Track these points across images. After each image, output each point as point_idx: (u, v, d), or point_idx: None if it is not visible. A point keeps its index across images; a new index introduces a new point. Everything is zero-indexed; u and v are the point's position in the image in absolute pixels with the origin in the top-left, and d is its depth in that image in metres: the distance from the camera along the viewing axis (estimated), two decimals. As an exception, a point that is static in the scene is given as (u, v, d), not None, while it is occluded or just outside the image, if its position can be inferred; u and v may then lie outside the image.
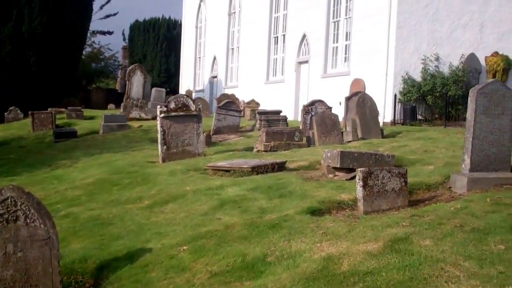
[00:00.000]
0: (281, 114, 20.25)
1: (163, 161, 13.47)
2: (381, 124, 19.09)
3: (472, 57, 21.78)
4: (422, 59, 21.35)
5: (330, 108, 17.84)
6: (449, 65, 21.39)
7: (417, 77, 21.26)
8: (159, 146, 13.77)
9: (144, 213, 8.84)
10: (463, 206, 6.86)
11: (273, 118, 19.44)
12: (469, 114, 8.20)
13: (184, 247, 6.78)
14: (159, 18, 48.35)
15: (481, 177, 8.06)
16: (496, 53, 21.97)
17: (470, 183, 7.97)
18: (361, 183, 7.37)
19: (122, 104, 28.02)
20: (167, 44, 45.98)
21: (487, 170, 8.18)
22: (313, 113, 16.99)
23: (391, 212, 7.23)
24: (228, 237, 6.87)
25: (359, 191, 7.42)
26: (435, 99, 20.99)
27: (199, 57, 39.93)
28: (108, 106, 36.98)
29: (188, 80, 40.43)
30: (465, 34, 21.98)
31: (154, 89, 28.87)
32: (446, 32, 21.76)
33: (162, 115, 13.71)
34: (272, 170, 10.79)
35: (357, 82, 22.42)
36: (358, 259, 5.48)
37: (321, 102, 18.10)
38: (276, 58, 30.31)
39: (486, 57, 21.99)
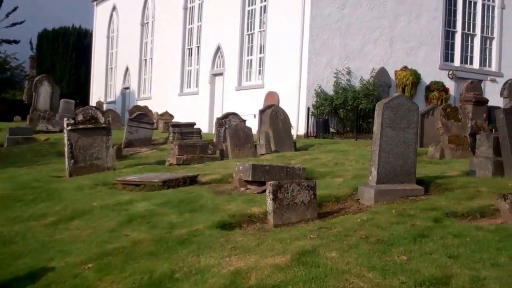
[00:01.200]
0: (195, 126, 20.11)
1: (70, 175, 13.02)
2: (294, 137, 19.34)
3: (382, 71, 22.43)
4: (334, 73, 21.78)
5: (244, 121, 17.87)
6: (360, 79, 21.94)
7: (330, 90, 21.66)
8: (66, 160, 13.30)
9: (48, 230, 8.49)
10: (370, 218, 6.96)
11: (186, 130, 19.28)
12: (376, 127, 8.37)
13: (89, 265, 6.54)
14: (69, 27, 47.06)
15: (388, 189, 8.23)
16: (405, 67, 22.74)
17: (377, 195, 8.12)
18: (271, 196, 7.36)
19: (28, 116, 27.05)
20: (77, 54, 44.81)
21: (394, 182, 8.36)
22: (226, 126, 16.96)
23: (301, 224, 7.25)
24: (136, 254, 6.68)
25: (269, 204, 7.41)
26: (346, 112, 21.43)
27: (111, 68, 39.25)
28: (14, 118, 35.54)
29: (99, 91, 39.63)
30: (375, 49, 22.63)
31: (62, 101, 28.03)
32: (358, 47, 22.33)
33: (70, 127, 13.27)
34: (184, 184, 10.65)
35: (271, 95, 22.61)
36: (266, 272, 5.44)
37: (235, 115, 18.11)
38: (191, 70, 30.19)
39: (396, 71, 22.73)
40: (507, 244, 5.49)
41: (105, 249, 6.97)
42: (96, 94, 39.79)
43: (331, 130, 21.57)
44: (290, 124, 16.93)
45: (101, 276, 6.23)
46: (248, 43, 25.63)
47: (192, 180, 10.92)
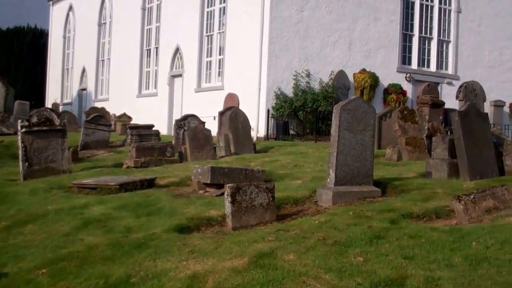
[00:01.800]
0: (154, 128, 19.94)
1: (25, 179, 12.72)
2: (254, 139, 19.34)
3: (341, 74, 22.59)
4: (294, 75, 21.84)
5: (203, 123, 17.80)
6: (320, 81, 22.05)
7: (289, 92, 21.71)
8: (20, 163, 12.97)
9: (1, 235, 8.29)
10: (327, 220, 7.00)
11: (145, 133, 19.10)
12: (334, 130, 8.43)
13: (43, 271, 6.40)
14: (24, 27, 46.14)
15: (345, 191, 8.30)
16: (364, 70, 22.96)
17: (335, 197, 8.17)
18: (229, 199, 7.34)
19: (-19, 118, 26.44)
20: (33, 55, 43.94)
21: (351, 184, 8.44)
22: (185, 128, 16.87)
23: (259, 227, 7.24)
24: (91, 259, 6.58)
25: (228, 207, 7.38)
26: (306, 114, 21.52)
27: (67, 69, 38.65)
28: (-34, 121, 34.77)
29: (56, 93, 38.99)
30: (334, 51, 22.79)
31: (17, 102, 27.52)
32: (317, 49, 22.45)
33: (24, 130, 12.96)
34: (141, 187, 10.54)
35: (231, 96, 22.58)
36: (223, 276, 5.41)
37: (194, 116, 18.03)
38: (149, 71, 29.94)
39: (354, 74, 22.92)
40: (461, 245, 5.58)
41: (59, 254, 6.85)
42: (52, 96, 39.13)
43: (291, 132, 21.63)
44: (250, 126, 16.92)
45: (55, 282, 6.11)
46: (208, 45, 25.55)
47: (150, 183, 10.82)
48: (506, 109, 25.62)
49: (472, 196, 6.87)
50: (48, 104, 37.29)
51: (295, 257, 5.64)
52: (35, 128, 13.07)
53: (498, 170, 9.54)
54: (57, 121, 13.42)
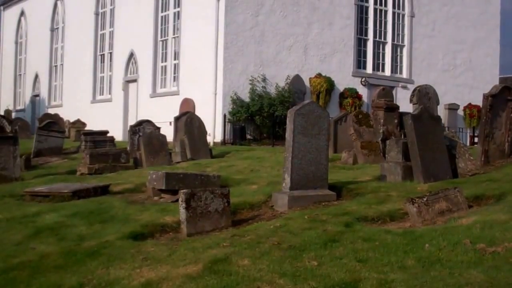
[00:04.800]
0: (109, 134, 19.70)
1: (-25, 186, 12.47)
2: (211, 144, 19.29)
3: (297, 78, 22.72)
4: (250, 80, 21.87)
5: (159, 128, 17.66)
6: (276, 86, 22.13)
7: (246, 97, 21.73)
8: (-29, 170, 12.76)
9: (-51, 245, 8.06)
10: (283, 224, 6.99)
11: (99, 139, 18.85)
12: (288, 134, 8.44)
13: (-6, 280, 6.25)
14: (-25, 32, 45.28)
15: (301, 195, 8.30)
16: (320, 74, 23.12)
17: (290, 201, 8.17)
18: (184, 204, 7.28)
19: None
20: (-16, 61, 43.11)
21: (307, 188, 8.45)
22: (140, 134, 16.71)
23: (214, 233, 7.20)
24: (43, 267, 6.44)
25: (182, 213, 7.32)
26: (263, 119, 21.55)
27: (20, 74, 38.00)
28: None
29: (8, 99, 38.24)
30: (290, 56, 22.90)
31: (-31, 109, 26.92)
32: (272, 54, 22.53)
33: (-26, 137, 12.75)
34: (95, 194, 10.39)
35: (186, 102, 22.47)
36: (177, 283, 5.36)
37: (149, 122, 17.87)
38: (103, 77, 29.61)
39: (310, 78, 23.07)
40: (414, 247, 5.62)
41: (11, 264, 6.69)
42: (4, 102, 38.36)
43: (248, 137, 21.63)
44: (206, 132, 16.86)
45: (6, 292, 5.97)
46: (162, 50, 25.39)
47: (103, 190, 10.69)
48: (460, 112, 26.14)
49: (425, 199, 6.94)
50: (0, 111, 36.53)
51: (249, 262, 5.61)
52: (-15, 136, 12.84)
53: (452, 173, 9.68)
54: (8, 128, 13.28)
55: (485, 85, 24.49)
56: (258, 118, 21.48)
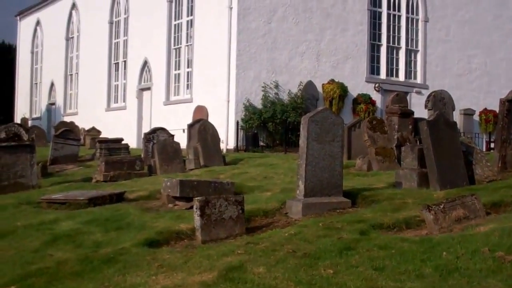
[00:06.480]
0: (123, 142, 19.78)
1: (-6, 195, 12.62)
2: (224, 151, 19.31)
3: (310, 85, 22.70)
4: (263, 87, 21.90)
5: (172, 135, 17.70)
6: (288, 93, 22.13)
7: (258, 104, 21.75)
8: (-11, 178, 12.90)
9: (-31, 252, 8.13)
10: (297, 232, 6.96)
11: (114, 146, 18.91)
12: (302, 141, 8.41)
13: (12, 287, 6.28)
14: (-8, 43, 45.97)
15: (315, 202, 8.26)
16: (332, 80, 23.09)
17: (304, 209, 8.14)
18: (198, 212, 7.28)
19: (-50, 134, 26.01)
20: (1, 70, 43.59)
21: (321, 195, 8.41)
22: (154, 141, 16.75)
23: (229, 240, 7.19)
24: (60, 274, 6.47)
25: (197, 220, 7.33)
26: (275, 125, 21.55)
27: (36, 83, 38.36)
28: None
29: (24, 108, 38.70)
30: (303, 62, 22.90)
31: (-14, 118, 27.18)
32: (285, 60, 22.54)
33: (-8, 145, 12.89)
34: (111, 202, 10.44)
35: (200, 109, 22.53)
36: (193, 291, 5.36)
37: (163, 129, 17.92)
38: (118, 85, 29.79)
39: (323, 84, 23.05)
40: (432, 255, 5.56)
41: (28, 270, 6.74)
42: (21, 111, 38.77)
43: (261, 143, 21.63)
44: (219, 138, 16.88)
45: (24, 299, 6.00)
46: (176, 57, 25.50)
47: (119, 197, 10.73)
48: (476, 117, 25.97)
49: (442, 206, 6.88)
50: (17, 119, 36.92)
51: (265, 270, 5.59)
52: (4, 144, 13.05)
53: (468, 179, 9.55)
54: (25, 137, 13.43)
55: (500, 89, 24.39)
56: (271, 124, 21.49)
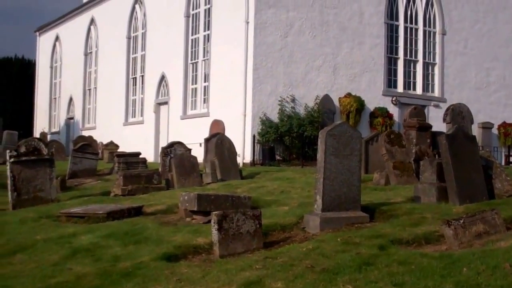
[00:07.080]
0: (141, 156, 19.86)
1: (14, 208, 12.72)
2: (240, 165, 19.30)
3: (326, 98, 22.66)
4: (279, 100, 21.91)
5: (189, 150, 17.75)
6: (305, 106, 22.11)
7: (275, 118, 21.75)
8: (9, 192, 13.00)
9: (-10, 265, 8.20)
10: (315, 247, 6.94)
11: (132, 160, 19.01)
12: (320, 155, 8.40)
13: (32, 301, 6.34)
14: (12, 58, 46.40)
15: (333, 217, 8.24)
16: (349, 94, 23.04)
17: (322, 223, 8.11)
18: (216, 226, 7.30)
19: (-30, 148, 26.30)
20: (20, 85, 44.06)
21: (339, 209, 8.38)
22: (172, 155, 16.79)
23: (246, 254, 7.19)
24: (80, 288, 6.52)
25: (215, 235, 7.34)
26: (292, 139, 21.51)
27: (55, 98, 38.72)
28: (-44, 151, 34.53)
29: (43, 122, 39.03)
30: (319, 76, 22.89)
31: (5, 132, 27.46)
32: (301, 74, 22.55)
33: (12, 159, 13.01)
34: (129, 215, 10.50)
35: (216, 123, 22.55)
36: (212, 306, 5.35)
37: (180, 143, 17.97)
38: (135, 99, 29.97)
39: (340, 98, 23.00)
40: (452, 271, 5.52)
41: (48, 284, 6.81)
42: (40, 125, 39.10)
43: (277, 157, 21.60)
44: (236, 152, 16.88)
45: (43, 313, 6.04)
46: (193, 72, 25.62)
47: (137, 211, 10.78)
48: (494, 130, 25.77)
49: (462, 221, 6.82)
50: (36, 133, 37.23)
51: (283, 285, 5.58)
52: (23, 158, 13.11)
53: (488, 194, 9.45)
54: (44, 151, 13.49)
55: (519, 102, 24.22)
56: (287, 138, 21.46)
